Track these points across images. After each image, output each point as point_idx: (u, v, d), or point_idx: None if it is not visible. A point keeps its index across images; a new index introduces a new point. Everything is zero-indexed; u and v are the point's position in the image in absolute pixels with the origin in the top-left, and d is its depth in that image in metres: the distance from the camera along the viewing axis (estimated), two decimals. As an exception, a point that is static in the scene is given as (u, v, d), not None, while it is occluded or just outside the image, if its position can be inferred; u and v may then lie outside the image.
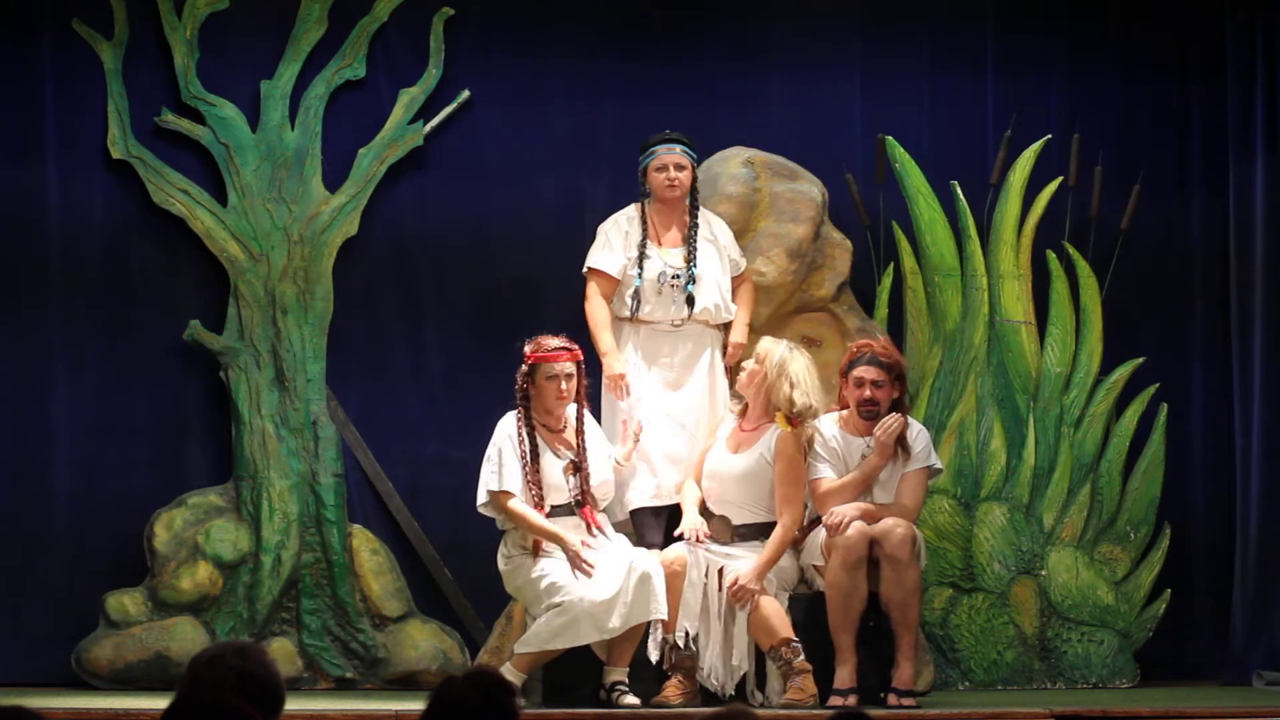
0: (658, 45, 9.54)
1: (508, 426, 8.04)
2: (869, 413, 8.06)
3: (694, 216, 8.41)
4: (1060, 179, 9.53)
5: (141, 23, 9.20)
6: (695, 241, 8.37)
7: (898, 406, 8.11)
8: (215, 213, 9.18)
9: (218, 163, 9.22)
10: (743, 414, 8.14)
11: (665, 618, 7.82)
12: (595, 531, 7.95)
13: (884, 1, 9.67)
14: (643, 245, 8.33)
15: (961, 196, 9.45)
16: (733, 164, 9.09)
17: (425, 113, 9.35)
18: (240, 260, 9.17)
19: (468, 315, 9.38)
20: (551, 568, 7.85)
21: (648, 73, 9.52)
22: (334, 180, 9.28)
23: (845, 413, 8.18)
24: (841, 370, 8.17)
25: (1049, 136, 9.53)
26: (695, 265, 8.35)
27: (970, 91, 9.66)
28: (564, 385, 7.95)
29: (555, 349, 8.01)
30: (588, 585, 7.76)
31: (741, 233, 8.85)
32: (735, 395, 8.23)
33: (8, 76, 9.18)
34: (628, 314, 8.34)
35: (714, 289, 8.38)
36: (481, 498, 7.99)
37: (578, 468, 7.97)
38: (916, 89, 9.66)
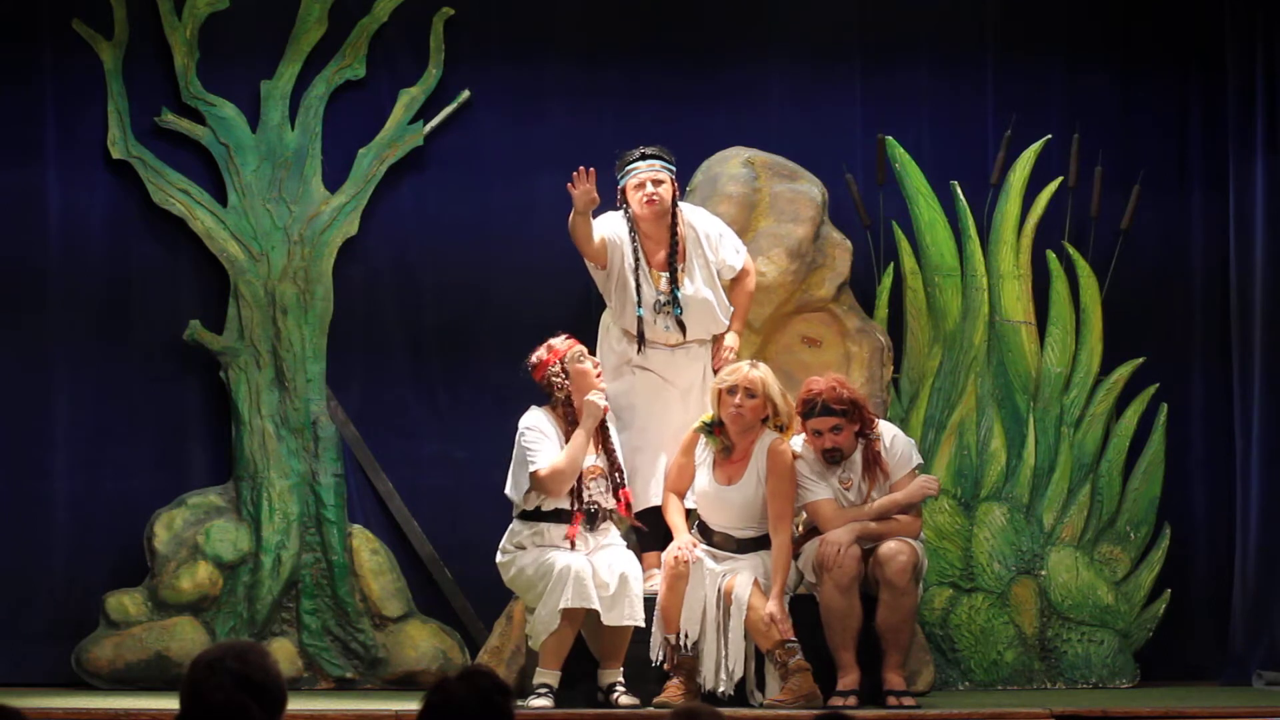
0: (658, 45, 9.54)
1: (531, 418, 8.06)
2: (834, 459, 8.06)
3: (674, 234, 8.32)
4: (1060, 179, 9.54)
5: (141, 23, 9.21)
6: (676, 263, 8.32)
7: (864, 432, 8.09)
8: (215, 213, 9.19)
9: (218, 163, 9.22)
10: (722, 447, 8.10)
11: (641, 624, 7.85)
12: (581, 540, 7.96)
13: (884, 2, 9.67)
14: (637, 272, 8.30)
15: (961, 196, 9.45)
16: (733, 164, 9.10)
17: (425, 113, 9.36)
18: (240, 260, 9.18)
19: (467, 315, 9.38)
20: (546, 555, 7.87)
21: (647, 72, 9.53)
22: (334, 180, 9.29)
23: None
24: (798, 413, 8.12)
25: (1049, 136, 9.53)
26: (680, 289, 8.32)
27: (970, 91, 9.66)
28: (591, 366, 8.02)
29: (567, 337, 8.09)
30: (573, 557, 7.81)
31: (741, 233, 8.83)
32: (715, 432, 8.13)
33: (8, 77, 9.19)
34: (634, 350, 8.32)
35: (703, 311, 8.34)
36: (521, 490, 7.97)
37: (602, 474, 8.00)
38: (916, 89, 9.66)
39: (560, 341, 8.10)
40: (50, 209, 9.19)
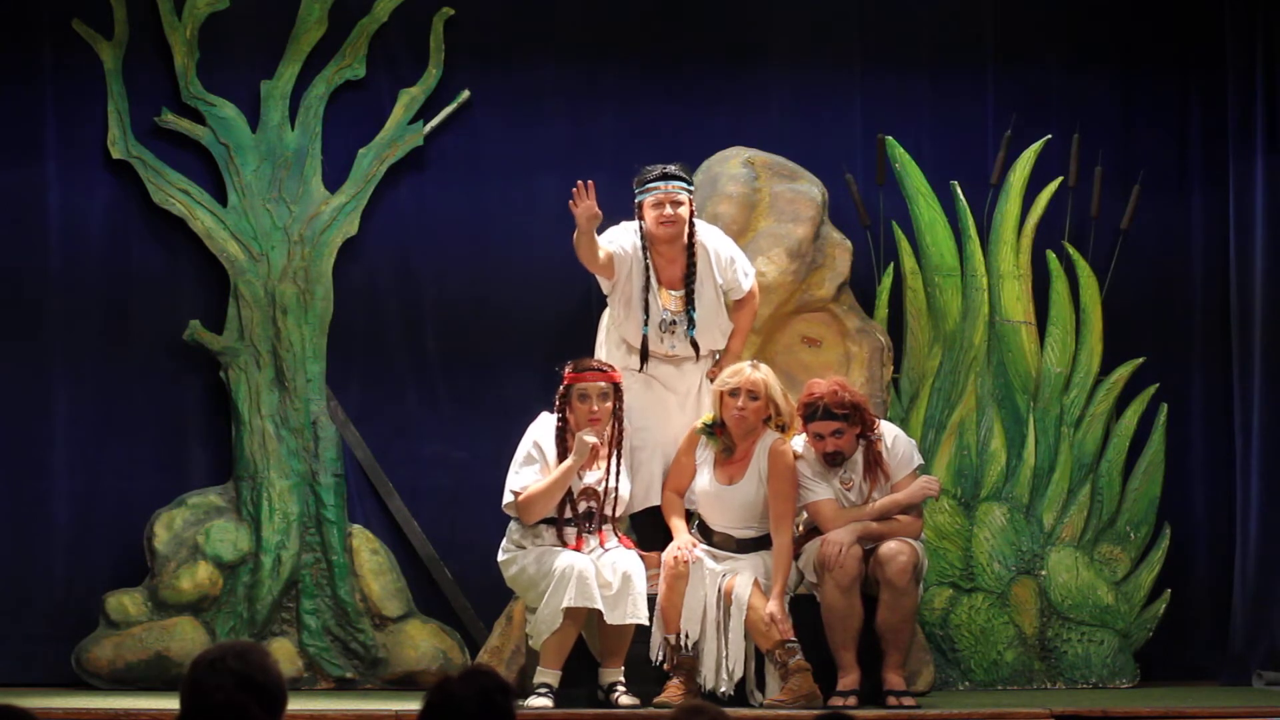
0: (658, 45, 9.53)
1: (538, 430, 8.05)
2: (836, 461, 8.05)
3: (691, 255, 8.27)
4: (1060, 179, 9.54)
5: (141, 23, 9.21)
6: (694, 283, 8.28)
7: (866, 434, 8.08)
8: (215, 213, 9.19)
9: (218, 163, 9.22)
10: (724, 448, 8.10)
11: (645, 622, 7.84)
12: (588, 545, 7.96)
13: (884, 3, 9.67)
14: (646, 290, 8.26)
15: (961, 196, 9.45)
16: (733, 164, 9.09)
17: (425, 113, 9.36)
18: (240, 260, 9.18)
19: (467, 315, 9.38)
20: (548, 554, 7.87)
21: (647, 72, 9.53)
22: (334, 180, 9.29)
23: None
24: (800, 415, 8.11)
25: (1049, 136, 9.53)
26: (694, 310, 8.29)
27: (970, 91, 9.66)
28: (595, 407, 7.94)
29: (589, 370, 8.02)
30: (576, 557, 7.80)
31: (741, 233, 8.84)
32: (716, 433, 8.13)
33: (8, 77, 9.19)
34: (637, 365, 8.29)
35: (708, 329, 8.31)
36: (506, 498, 7.99)
37: (593, 493, 7.97)
38: (916, 89, 9.66)
39: (574, 368, 8.04)
40: (50, 209, 9.18)
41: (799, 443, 8.12)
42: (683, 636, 7.86)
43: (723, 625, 7.87)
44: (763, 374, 8.02)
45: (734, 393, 8.00)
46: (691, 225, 8.28)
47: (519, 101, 9.45)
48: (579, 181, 8.00)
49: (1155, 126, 9.80)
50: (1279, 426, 9.47)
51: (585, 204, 8.00)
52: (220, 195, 9.22)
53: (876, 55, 9.64)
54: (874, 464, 8.09)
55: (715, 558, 8.00)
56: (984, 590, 9.29)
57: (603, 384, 7.99)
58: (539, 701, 7.75)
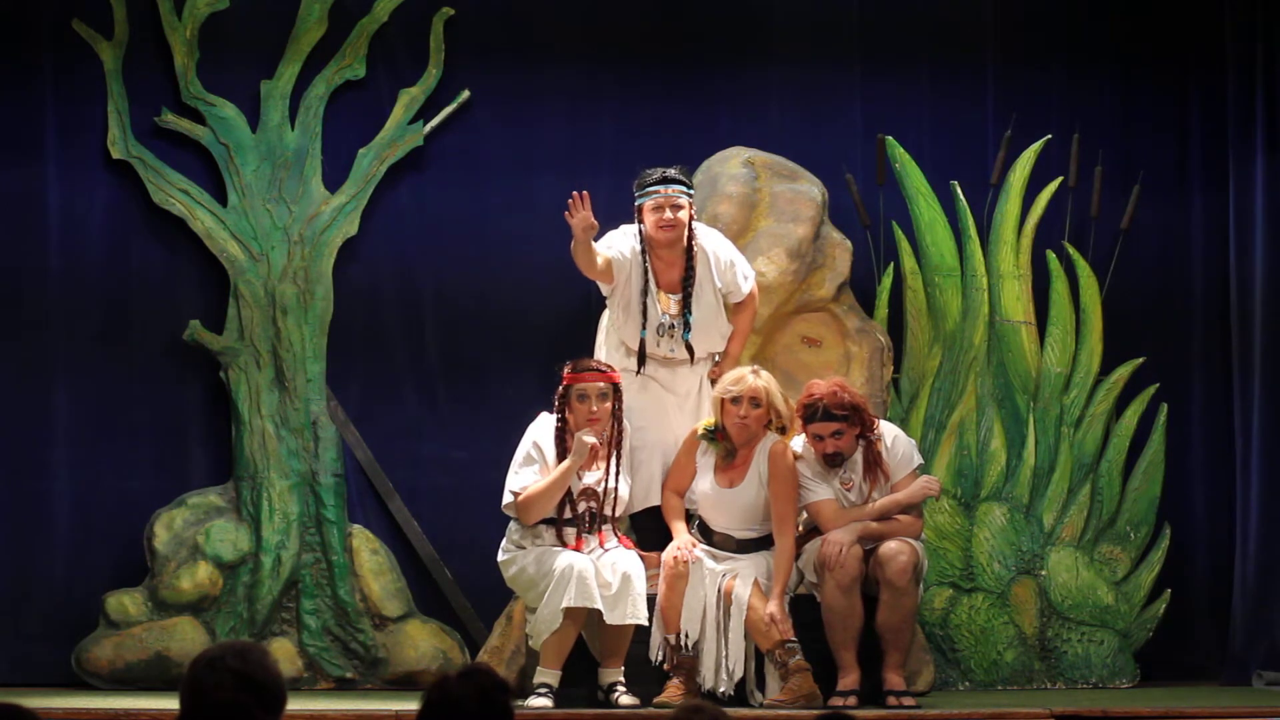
0: (658, 45, 9.54)
1: (537, 430, 8.04)
2: (835, 462, 8.05)
3: (690, 259, 8.25)
4: (1060, 179, 9.54)
5: (141, 23, 9.21)
6: (691, 287, 8.27)
7: (865, 434, 8.08)
8: (215, 213, 9.19)
9: (218, 163, 9.22)
10: (724, 452, 8.09)
11: (645, 622, 7.84)
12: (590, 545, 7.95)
13: (884, 2, 9.67)
14: (644, 294, 8.26)
15: (961, 196, 9.45)
16: (733, 164, 9.09)
17: (425, 113, 9.36)
18: (240, 260, 9.18)
19: (467, 315, 9.38)
20: (548, 554, 7.87)
21: (648, 72, 9.53)
22: (334, 180, 9.29)
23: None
24: (799, 416, 8.11)
25: (1049, 136, 9.53)
26: (691, 314, 8.29)
27: (970, 91, 9.66)
28: (594, 407, 7.94)
29: (588, 370, 8.01)
30: (576, 556, 7.79)
31: (741, 233, 8.84)
32: (717, 439, 8.11)
33: (7, 76, 9.19)
34: (634, 368, 8.28)
35: (707, 332, 8.29)
36: (506, 498, 7.99)
37: (592, 493, 7.97)
38: (916, 89, 9.66)
39: (573, 369, 8.03)
40: (50, 209, 9.19)
41: (799, 443, 8.12)
42: (683, 636, 7.86)
43: (723, 625, 7.88)
44: (764, 381, 8.02)
45: (735, 400, 7.99)
46: (691, 229, 8.27)
47: (519, 101, 9.45)
48: (574, 193, 7.99)
49: (1155, 126, 9.80)
50: (1279, 426, 9.48)
51: (581, 215, 7.99)
52: (220, 195, 9.22)
53: (876, 55, 9.64)
54: (874, 464, 8.08)
55: (715, 558, 8.01)
56: (984, 590, 9.30)
57: (602, 384, 7.99)
58: (539, 701, 7.75)
